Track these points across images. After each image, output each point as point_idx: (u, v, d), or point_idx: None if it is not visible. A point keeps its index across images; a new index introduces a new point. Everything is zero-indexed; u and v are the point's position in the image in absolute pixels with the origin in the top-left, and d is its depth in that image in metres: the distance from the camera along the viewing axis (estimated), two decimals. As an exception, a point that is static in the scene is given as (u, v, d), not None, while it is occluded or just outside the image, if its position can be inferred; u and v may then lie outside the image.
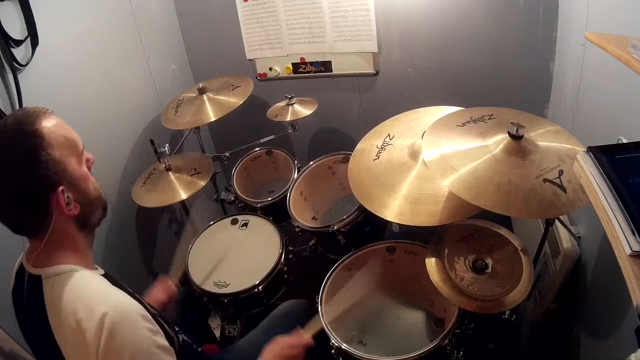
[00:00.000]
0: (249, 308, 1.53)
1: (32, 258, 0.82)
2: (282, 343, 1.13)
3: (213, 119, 1.68)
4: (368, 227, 1.52)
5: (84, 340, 0.73)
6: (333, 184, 1.79)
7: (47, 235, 0.80)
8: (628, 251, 0.58)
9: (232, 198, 1.86)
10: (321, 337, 1.23)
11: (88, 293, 0.79)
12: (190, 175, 1.66)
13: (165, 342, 0.81)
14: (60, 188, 0.79)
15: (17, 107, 1.25)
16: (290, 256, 1.63)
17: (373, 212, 1.20)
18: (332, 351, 1.21)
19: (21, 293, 0.83)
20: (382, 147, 1.36)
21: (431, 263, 1.20)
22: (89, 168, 0.88)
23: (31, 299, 0.82)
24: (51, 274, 0.80)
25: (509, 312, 1.17)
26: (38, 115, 0.80)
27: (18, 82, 1.25)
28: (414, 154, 1.27)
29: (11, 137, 0.77)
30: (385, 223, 1.54)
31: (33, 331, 0.83)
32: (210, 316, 1.76)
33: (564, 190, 0.94)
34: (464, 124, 1.16)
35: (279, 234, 1.62)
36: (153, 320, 0.81)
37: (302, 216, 1.62)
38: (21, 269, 0.86)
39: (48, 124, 0.79)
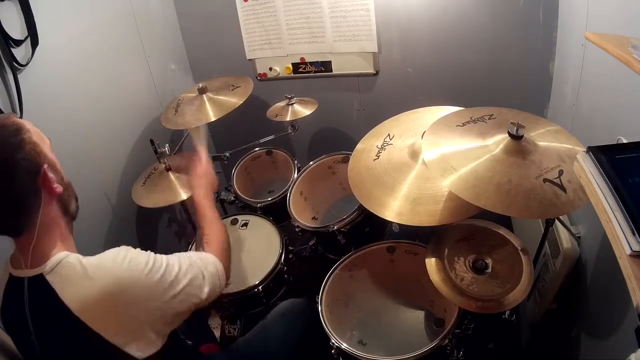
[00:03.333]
0: (249, 308, 1.52)
1: (28, 261, 0.83)
2: (198, 170, 1.30)
3: (213, 119, 1.68)
4: (368, 227, 1.52)
5: (114, 304, 0.80)
6: (333, 184, 1.79)
7: (37, 226, 0.82)
8: (628, 251, 0.58)
9: (232, 198, 1.86)
10: (321, 337, 1.23)
11: (93, 266, 0.83)
12: (190, 175, 1.66)
13: (157, 255, 0.91)
14: (45, 166, 0.83)
15: (17, 107, 1.25)
16: (290, 256, 1.63)
17: (373, 212, 1.20)
18: (332, 351, 1.21)
19: (19, 303, 0.83)
20: (382, 147, 1.36)
21: (431, 263, 1.20)
22: None
23: (37, 301, 0.82)
24: (51, 267, 0.82)
25: (509, 312, 1.16)
26: (6, 114, 0.87)
27: (18, 82, 1.24)
28: (414, 154, 1.27)
29: None
30: (385, 223, 1.54)
31: (49, 332, 0.84)
32: (210, 316, 1.76)
33: (564, 190, 0.94)
34: (464, 124, 1.16)
35: (279, 234, 1.62)
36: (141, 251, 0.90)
37: (302, 216, 1.62)
38: (13, 280, 0.85)
39: (18, 118, 0.85)
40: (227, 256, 1.09)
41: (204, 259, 1.01)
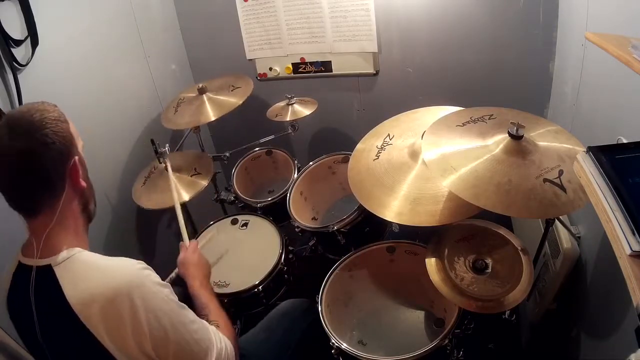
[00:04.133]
0: (249, 308, 1.52)
1: (39, 251, 0.83)
2: (186, 260, 1.23)
3: (212, 118, 1.68)
4: (368, 227, 1.52)
5: (117, 310, 0.78)
6: (333, 184, 1.79)
7: (56, 212, 0.84)
8: (628, 251, 0.58)
9: (232, 198, 1.86)
10: (321, 337, 1.23)
11: (102, 268, 0.83)
12: (191, 176, 1.66)
13: (175, 296, 0.88)
14: (77, 158, 0.87)
15: (17, 107, 1.25)
16: (290, 256, 1.63)
17: (373, 212, 1.20)
18: (332, 351, 1.21)
19: (25, 291, 0.83)
20: (382, 147, 1.36)
21: (431, 263, 1.20)
22: None
23: (42, 291, 0.82)
24: (61, 260, 0.82)
25: (509, 312, 1.16)
26: (53, 104, 0.89)
27: (18, 82, 1.25)
28: (414, 154, 1.27)
29: (40, 105, 0.85)
30: (385, 223, 1.54)
31: (49, 324, 0.84)
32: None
33: (564, 190, 0.94)
34: (464, 124, 1.16)
35: (279, 234, 1.62)
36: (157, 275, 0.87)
37: (302, 216, 1.62)
38: (21, 268, 0.86)
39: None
40: (237, 345, 1.05)
41: (217, 333, 0.98)
